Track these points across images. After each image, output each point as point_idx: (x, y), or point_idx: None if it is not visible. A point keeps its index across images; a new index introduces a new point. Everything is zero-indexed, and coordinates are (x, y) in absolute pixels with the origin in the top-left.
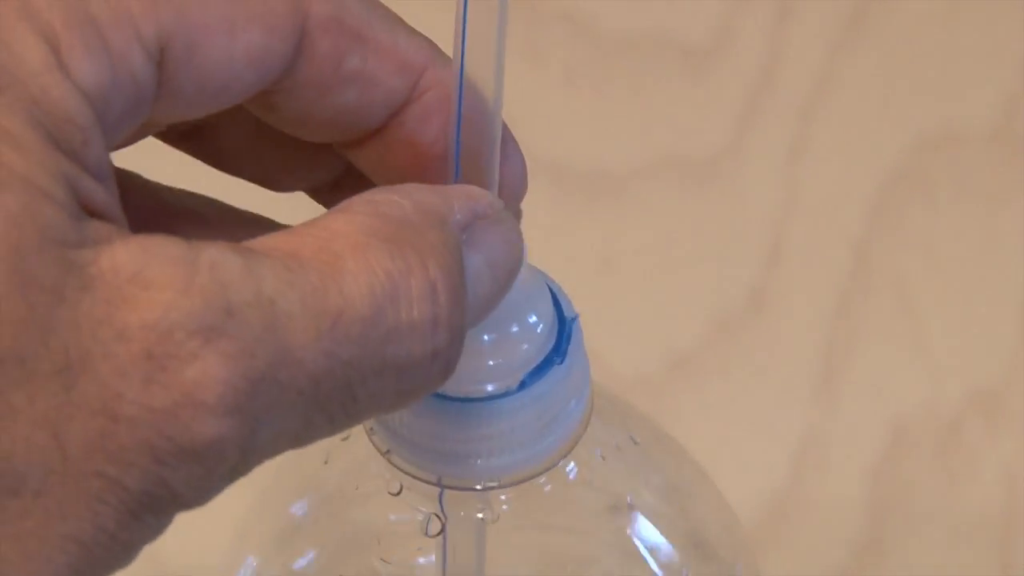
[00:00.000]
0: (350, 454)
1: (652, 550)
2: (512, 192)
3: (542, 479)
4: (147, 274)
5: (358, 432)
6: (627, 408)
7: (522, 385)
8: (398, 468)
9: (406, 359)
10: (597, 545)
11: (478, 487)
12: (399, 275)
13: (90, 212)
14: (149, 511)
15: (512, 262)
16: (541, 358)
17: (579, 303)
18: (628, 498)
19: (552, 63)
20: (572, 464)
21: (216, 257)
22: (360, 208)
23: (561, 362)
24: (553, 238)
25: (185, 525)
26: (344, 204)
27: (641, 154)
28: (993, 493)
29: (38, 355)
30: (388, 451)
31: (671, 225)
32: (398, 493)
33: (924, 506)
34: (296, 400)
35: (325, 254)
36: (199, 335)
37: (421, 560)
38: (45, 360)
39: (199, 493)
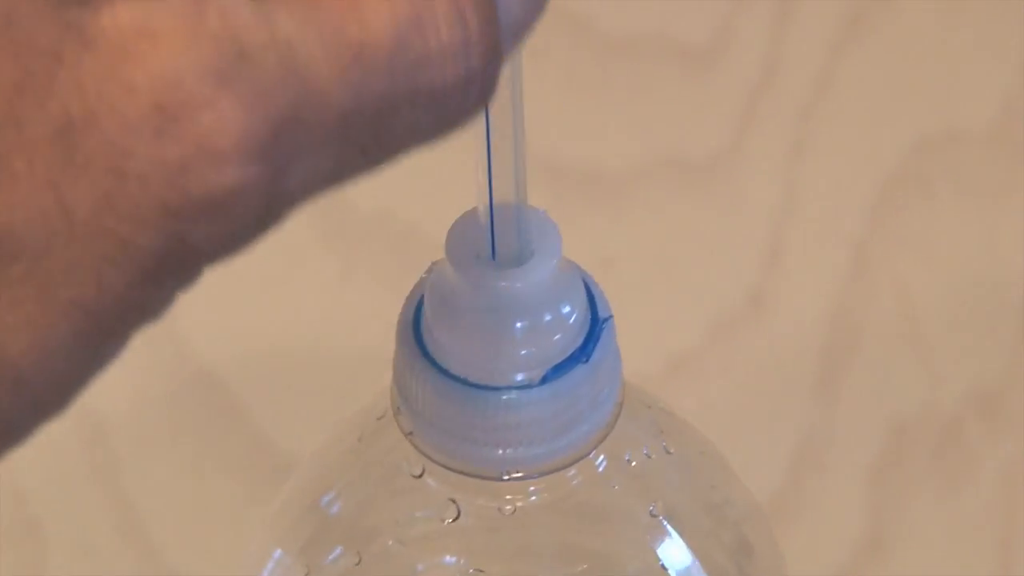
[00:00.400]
0: (383, 434)
1: (672, 562)
2: None
3: (571, 471)
4: (151, 26)
5: (391, 412)
6: (667, 417)
7: (544, 380)
8: (419, 450)
9: (440, 85)
10: (617, 546)
11: (504, 476)
12: (422, 1)
13: None
14: (166, 270)
15: None
16: (568, 353)
17: None
18: (651, 507)
19: (552, 63)
20: (603, 457)
21: (224, 3)
22: None
23: (586, 361)
24: None
25: (186, 524)
26: None
27: (641, 154)
28: (993, 493)
29: (36, 119)
30: (411, 432)
31: (671, 225)
32: (420, 476)
33: (924, 506)
34: (324, 141)
35: None
36: (211, 81)
37: (438, 545)
38: (45, 123)
39: (223, 246)
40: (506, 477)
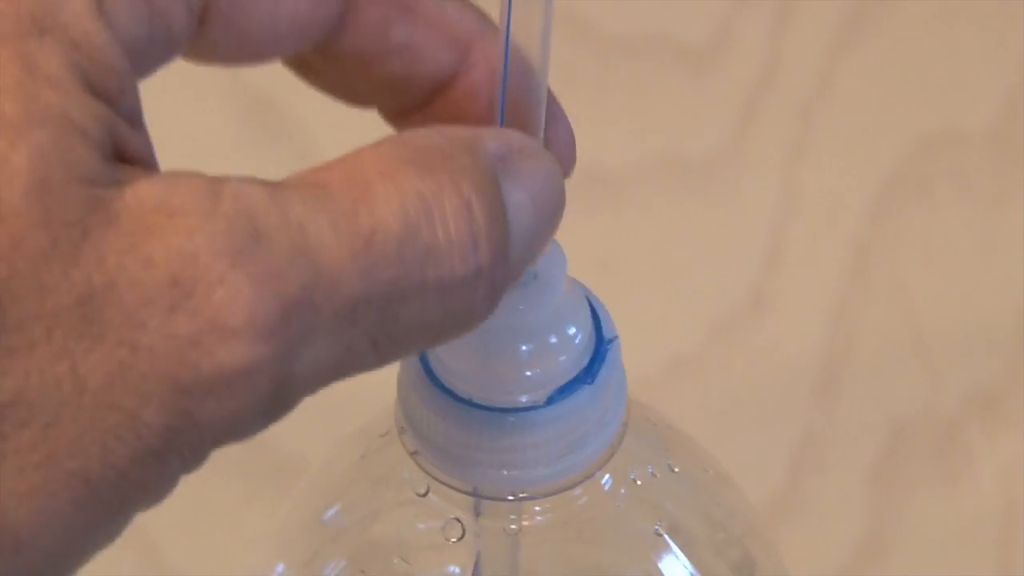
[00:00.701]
0: (386, 452)
1: None
2: (562, 158)
3: (577, 491)
4: (171, 203)
5: (395, 431)
6: (671, 433)
7: (549, 401)
8: (424, 470)
9: (448, 278)
10: (622, 564)
11: (510, 497)
12: (431, 195)
13: (126, 159)
14: (172, 449)
15: (554, 194)
16: (574, 375)
17: None
18: (656, 526)
19: (552, 63)
20: (608, 477)
21: (240, 187)
22: (389, 141)
23: (592, 382)
24: None
25: (186, 525)
26: (375, 142)
27: (641, 155)
28: (993, 493)
29: (59, 287)
30: (416, 452)
31: (671, 226)
32: (425, 494)
33: (924, 506)
34: (333, 325)
35: (353, 181)
36: (226, 258)
37: (443, 563)
38: (66, 292)
39: (231, 428)
40: (511, 498)
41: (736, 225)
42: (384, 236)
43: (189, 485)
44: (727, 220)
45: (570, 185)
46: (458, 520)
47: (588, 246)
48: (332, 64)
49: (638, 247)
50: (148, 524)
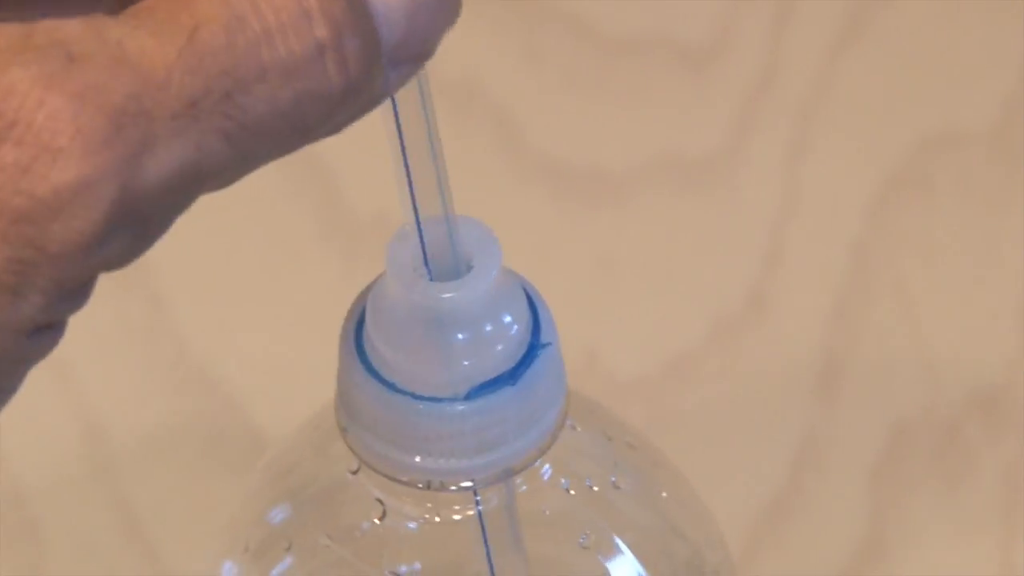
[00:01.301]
0: (334, 447)
1: None
2: None
3: (517, 480)
4: None
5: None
6: (629, 452)
7: (468, 396)
8: (351, 448)
9: (288, 58)
10: (546, 567)
11: (423, 485)
12: None
13: None
14: (28, 284)
15: None
16: (498, 373)
17: (578, 304)
18: (581, 539)
19: (552, 63)
20: (547, 467)
21: (53, 23)
22: None
23: (513, 384)
24: (552, 238)
25: (186, 524)
26: None
27: (640, 154)
28: (993, 494)
29: None
30: (345, 429)
31: (671, 225)
32: (356, 472)
33: (924, 506)
34: (174, 127)
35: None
36: (41, 82)
37: (368, 543)
38: None
39: (87, 251)
40: (423, 486)
41: (736, 225)
42: (209, 29)
43: (189, 485)
44: (727, 220)
45: (571, 183)
46: (380, 501)
47: (588, 246)
48: None
49: (638, 247)
50: (148, 524)
